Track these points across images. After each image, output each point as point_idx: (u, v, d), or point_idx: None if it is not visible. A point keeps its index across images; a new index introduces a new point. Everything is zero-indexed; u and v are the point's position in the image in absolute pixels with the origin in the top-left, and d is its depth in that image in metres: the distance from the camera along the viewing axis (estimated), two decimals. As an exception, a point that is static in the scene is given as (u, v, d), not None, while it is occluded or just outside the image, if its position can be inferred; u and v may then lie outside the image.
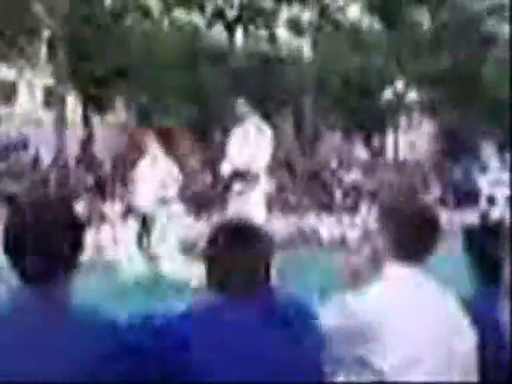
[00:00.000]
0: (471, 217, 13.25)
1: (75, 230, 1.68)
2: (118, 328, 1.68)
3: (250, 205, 5.34)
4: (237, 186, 5.34)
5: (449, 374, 1.97)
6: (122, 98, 17.15)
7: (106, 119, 17.29)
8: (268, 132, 5.54)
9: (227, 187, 5.42)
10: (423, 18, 20.45)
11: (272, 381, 1.74)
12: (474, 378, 2.05)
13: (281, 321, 1.84)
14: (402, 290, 2.02)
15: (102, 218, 11.02)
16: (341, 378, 2.00)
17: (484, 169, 17.94)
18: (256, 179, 5.36)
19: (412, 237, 2.06)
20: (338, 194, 15.10)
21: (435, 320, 2.00)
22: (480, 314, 2.17)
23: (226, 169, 5.59)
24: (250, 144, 5.49)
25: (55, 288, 1.63)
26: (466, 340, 2.04)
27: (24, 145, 14.98)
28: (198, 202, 11.71)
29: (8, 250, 1.62)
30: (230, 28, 20.15)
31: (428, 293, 2.05)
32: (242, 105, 5.53)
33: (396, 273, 2.07)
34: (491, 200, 16.12)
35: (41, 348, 1.56)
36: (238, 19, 20.10)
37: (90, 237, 9.22)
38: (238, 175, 5.38)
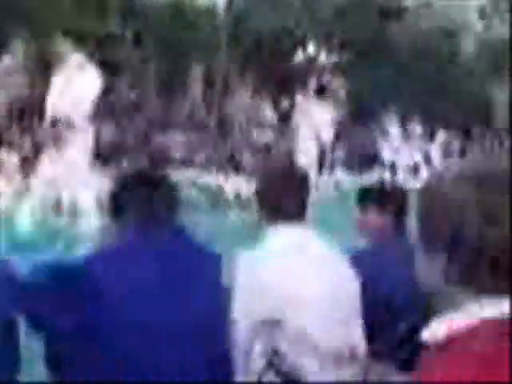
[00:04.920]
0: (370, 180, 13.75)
1: None
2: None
3: None
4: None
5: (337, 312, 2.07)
6: (19, 40, 16.12)
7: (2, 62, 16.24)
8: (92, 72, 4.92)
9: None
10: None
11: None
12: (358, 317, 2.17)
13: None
14: (289, 251, 2.05)
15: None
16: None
17: (385, 136, 18.60)
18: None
19: (285, 198, 2.11)
20: (247, 155, 15.17)
21: (325, 275, 2.09)
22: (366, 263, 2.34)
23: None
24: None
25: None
26: (351, 287, 2.16)
27: None
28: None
29: None
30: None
31: (314, 249, 2.11)
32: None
33: (279, 235, 2.10)
34: (393, 167, 16.82)
35: None
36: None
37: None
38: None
